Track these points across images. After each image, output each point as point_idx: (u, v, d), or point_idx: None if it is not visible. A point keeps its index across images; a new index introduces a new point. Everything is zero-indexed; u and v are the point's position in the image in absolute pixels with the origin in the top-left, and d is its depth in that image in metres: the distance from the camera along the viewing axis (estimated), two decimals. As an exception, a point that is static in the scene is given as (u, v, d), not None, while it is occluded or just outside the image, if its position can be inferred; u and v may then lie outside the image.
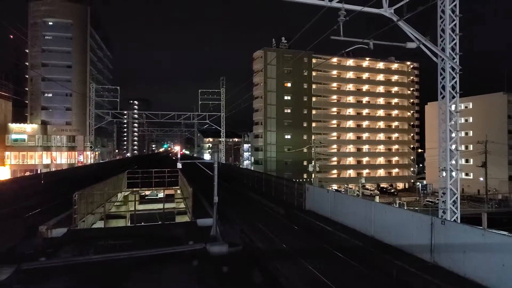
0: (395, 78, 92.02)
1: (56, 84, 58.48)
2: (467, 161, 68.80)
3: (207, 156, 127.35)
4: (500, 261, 9.36)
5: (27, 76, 68.97)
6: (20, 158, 62.85)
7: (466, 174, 68.62)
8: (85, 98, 65.13)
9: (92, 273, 10.47)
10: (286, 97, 78.91)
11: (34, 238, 13.83)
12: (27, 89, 68.97)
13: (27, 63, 67.92)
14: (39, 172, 53.58)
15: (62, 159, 66.26)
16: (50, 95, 68.08)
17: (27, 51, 67.84)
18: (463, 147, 67.14)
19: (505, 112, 66.99)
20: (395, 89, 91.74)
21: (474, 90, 73.37)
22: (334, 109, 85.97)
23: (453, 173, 16.54)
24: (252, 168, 74.80)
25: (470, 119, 72.37)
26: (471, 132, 70.57)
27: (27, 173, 55.78)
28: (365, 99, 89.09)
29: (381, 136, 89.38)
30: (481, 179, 60.56)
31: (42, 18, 66.03)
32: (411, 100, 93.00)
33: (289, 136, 78.95)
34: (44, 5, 66.01)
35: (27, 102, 68.51)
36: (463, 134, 68.75)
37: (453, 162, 16.56)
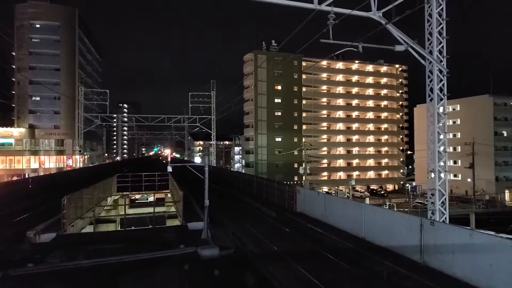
0: (384, 80, 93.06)
1: (44, 87, 57.69)
2: (455, 162, 69.77)
3: (197, 159, 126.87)
4: (487, 261, 9.51)
5: (14, 79, 67.86)
6: (7, 162, 61.78)
7: (455, 176, 69.56)
8: (74, 101, 64.37)
9: (81, 279, 10.32)
10: (276, 100, 79.15)
11: (22, 243, 13.58)
12: (13, 92, 67.87)
13: (13, 66, 66.89)
14: (26, 176, 52.68)
15: (50, 163, 65.35)
16: (38, 98, 67.10)
17: (13, 53, 66.82)
18: (451, 149, 68.09)
19: (491, 114, 68.18)
20: (384, 91, 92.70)
21: (463, 92, 74.61)
22: (324, 111, 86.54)
23: (442, 175, 16.77)
24: (243, 171, 74.72)
25: (458, 121, 73.45)
26: (459, 133, 71.61)
27: (15, 178, 54.82)
28: (354, 102, 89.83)
29: (370, 138, 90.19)
30: (469, 180, 61.51)
31: (29, 20, 65.10)
32: (400, 103, 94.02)
33: (279, 139, 79.15)
34: (30, 7, 65.07)
35: (14, 105, 67.41)
36: (451, 135, 69.71)
37: (442, 163, 16.79)
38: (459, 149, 67.70)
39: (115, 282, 9.98)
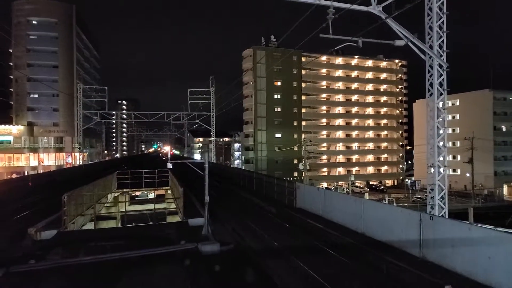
0: (383, 76, 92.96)
1: (42, 84, 57.57)
2: (454, 157, 69.86)
3: (197, 156, 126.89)
4: (486, 254, 9.57)
5: (12, 77, 67.64)
6: (6, 160, 61.74)
7: (454, 170, 69.69)
8: (72, 98, 64.26)
9: (83, 275, 10.36)
10: (276, 96, 79.06)
11: (23, 240, 13.62)
12: (12, 89, 67.67)
13: (11, 63, 66.61)
14: (26, 174, 52.69)
15: (50, 160, 65.32)
16: (36, 95, 66.93)
17: (11, 51, 66.53)
18: (450, 144, 68.17)
19: (491, 108, 68.14)
20: (383, 87, 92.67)
21: (462, 87, 74.45)
22: (324, 107, 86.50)
23: (441, 170, 16.81)
24: (243, 168, 74.80)
25: (457, 116, 73.43)
26: (458, 128, 71.65)
27: (14, 176, 54.80)
28: (354, 97, 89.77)
29: (370, 134, 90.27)
30: (468, 175, 61.69)
31: (26, 17, 64.78)
32: (400, 98, 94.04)
33: (279, 135, 79.17)
34: (28, 3, 64.74)
35: (12, 103, 67.24)
36: (450, 130, 69.74)
37: (441, 158, 16.82)
38: (458, 144, 67.79)
39: (117, 278, 10.02)
